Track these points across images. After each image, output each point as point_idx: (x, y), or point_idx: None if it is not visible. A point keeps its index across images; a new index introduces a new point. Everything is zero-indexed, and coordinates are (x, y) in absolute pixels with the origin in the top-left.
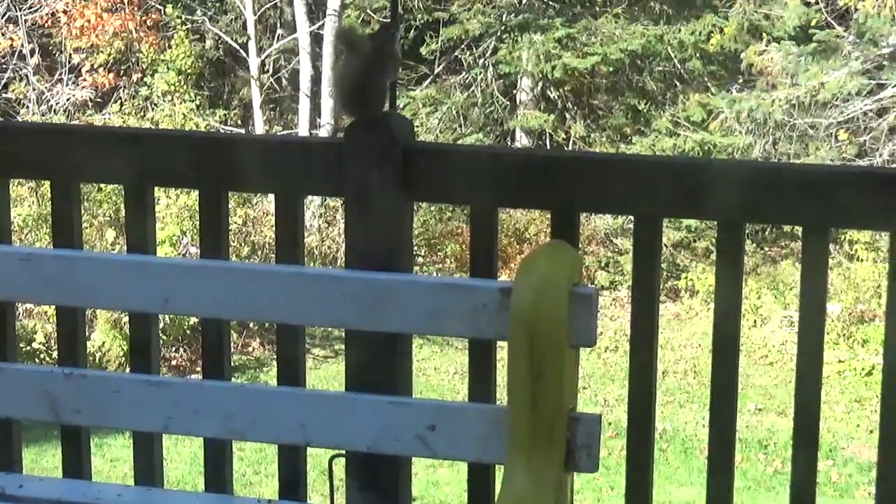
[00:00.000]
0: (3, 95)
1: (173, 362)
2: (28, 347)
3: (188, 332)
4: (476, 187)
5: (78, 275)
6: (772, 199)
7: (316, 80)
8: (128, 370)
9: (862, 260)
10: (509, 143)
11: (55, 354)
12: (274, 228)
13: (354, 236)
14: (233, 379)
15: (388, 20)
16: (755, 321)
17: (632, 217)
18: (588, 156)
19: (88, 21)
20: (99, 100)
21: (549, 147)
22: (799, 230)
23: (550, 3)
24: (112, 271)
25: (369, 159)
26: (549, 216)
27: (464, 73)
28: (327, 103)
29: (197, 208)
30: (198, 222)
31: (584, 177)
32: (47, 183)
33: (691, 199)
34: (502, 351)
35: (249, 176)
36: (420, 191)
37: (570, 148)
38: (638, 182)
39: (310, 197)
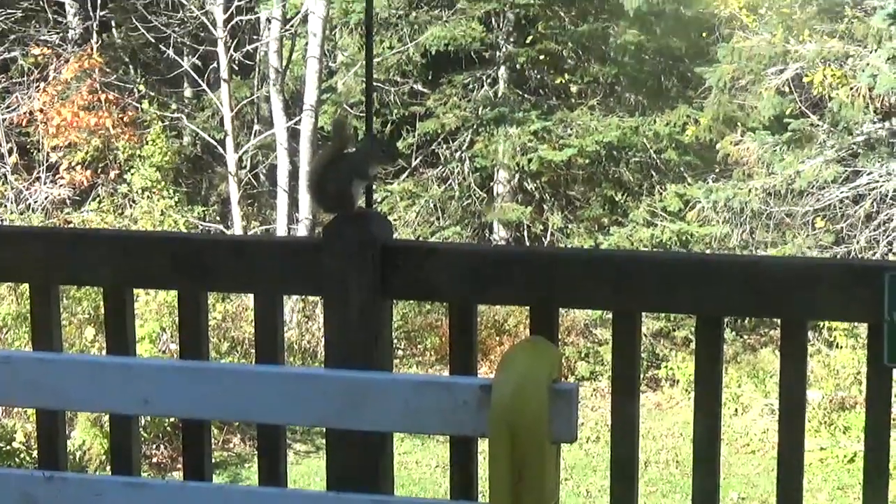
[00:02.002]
0: None
1: (154, 459)
2: (8, 447)
3: (168, 428)
4: (454, 284)
5: (58, 377)
6: (749, 293)
7: (293, 175)
8: (109, 470)
9: (841, 347)
10: (487, 236)
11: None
12: (253, 325)
13: (333, 334)
14: (214, 476)
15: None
16: (736, 409)
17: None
18: (565, 252)
19: (65, 119)
20: (77, 197)
21: (527, 239)
22: (778, 320)
23: (525, 96)
24: (92, 373)
25: (347, 258)
26: (528, 310)
27: (441, 167)
28: (305, 198)
29: (176, 304)
30: (177, 318)
31: (561, 273)
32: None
33: (669, 294)
34: (483, 444)
35: (228, 276)
36: (398, 288)
37: (549, 239)
38: (615, 278)
39: None
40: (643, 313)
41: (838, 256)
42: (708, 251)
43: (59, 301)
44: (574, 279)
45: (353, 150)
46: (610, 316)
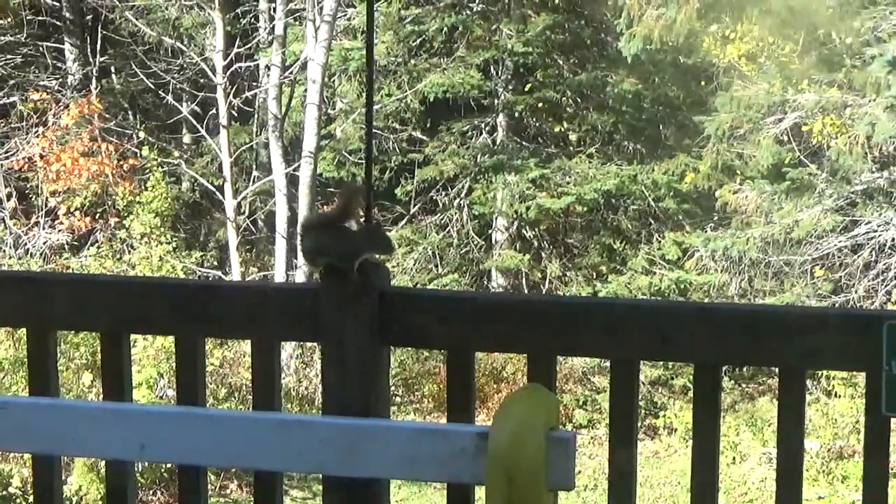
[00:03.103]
0: None
1: None
2: (4, 492)
3: (165, 474)
4: (452, 332)
5: (55, 423)
6: (748, 343)
7: (292, 221)
8: None
9: (840, 396)
10: (485, 283)
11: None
12: (250, 371)
13: (331, 382)
14: None
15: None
16: (734, 458)
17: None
18: (564, 300)
19: (65, 165)
20: (75, 243)
21: (525, 286)
22: (775, 369)
23: (524, 143)
24: (89, 419)
25: (345, 305)
26: (526, 357)
27: (439, 214)
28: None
29: (174, 350)
30: (175, 365)
31: (559, 322)
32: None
33: (667, 343)
34: (481, 491)
35: (226, 323)
36: (396, 335)
37: (547, 287)
38: (614, 326)
39: None
40: (641, 361)
41: (837, 305)
42: (706, 300)
43: (56, 346)
44: (572, 327)
45: (354, 228)
46: (608, 363)
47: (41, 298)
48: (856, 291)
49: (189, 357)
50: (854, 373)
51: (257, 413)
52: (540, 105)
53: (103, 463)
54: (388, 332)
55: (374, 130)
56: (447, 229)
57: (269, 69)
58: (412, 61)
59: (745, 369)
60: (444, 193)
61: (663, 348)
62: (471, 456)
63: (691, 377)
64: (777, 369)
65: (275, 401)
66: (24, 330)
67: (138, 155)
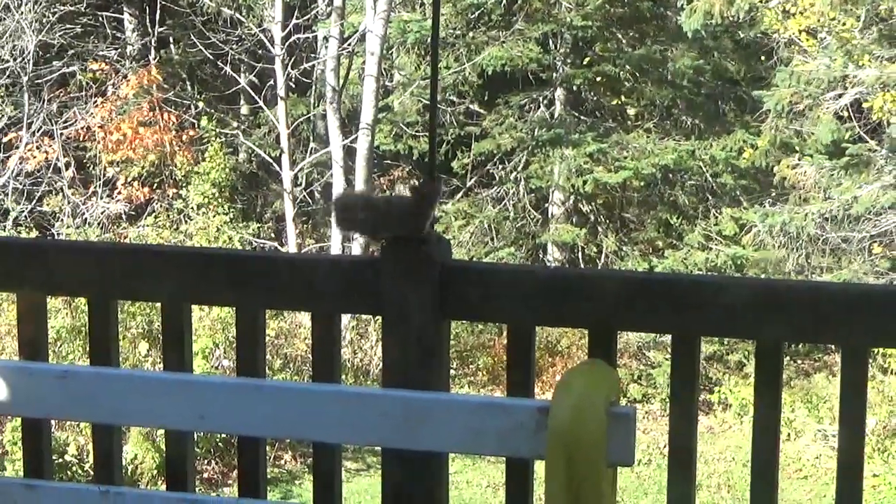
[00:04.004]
0: (38, 209)
1: (205, 475)
2: (60, 460)
3: (220, 444)
4: (514, 306)
5: (115, 393)
6: (810, 320)
7: None
8: (161, 484)
9: None
10: (541, 257)
11: (87, 467)
12: (308, 342)
13: (392, 354)
14: (268, 494)
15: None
16: (789, 434)
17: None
18: (625, 275)
19: (125, 135)
20: (133, 213)
21: (581, 261)
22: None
23: (582, 117)
24: (149, 389)
25: (406, 278)
26: (584, 332)
27: (496, 187)
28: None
29: (230, 321)
30: (231, 335)
31: (621, 296)
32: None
33: (729, 319)
34: (539, 466)
35: (287, 295)
36: (457, 309)
37: (602, 262)
38: (676, 301)
39: None
40: (702, 338)
41: (894, 282)
42: (763, 276)
43: (117, 316)
44: (633, 302)
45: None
46: (664, 339)
47: (102, 268)
48: None
49: (249, 328)
50: None
51: (317, 385)
52: (598, 79)
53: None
54: (449, 305)
55: None
56: (503, 203)
57: (327, 40)
58: (470, 34)
59: (801, 345)
60: (500, 167)
61: (726, 325)
62: (531, 431)
63: (746, 353)
64: (839, 347)
65: (334, 373)
66: (82, 299)
67: (196, 126)
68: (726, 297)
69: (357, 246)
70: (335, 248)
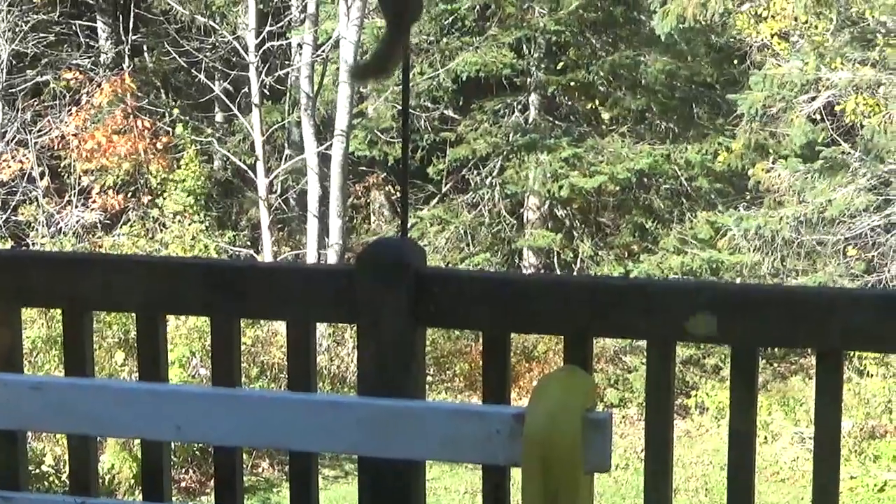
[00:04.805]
0: (13, 218)
1: (182, 484)
2: (37, 470)
3: (197, 453)
4: (489, 313)
5: (90, 403)
6: (784, 324)
7: (323, 200)
8: (138, 494)
9: (872, 375)
10: (517, 262)
11: (64, 477)
12: (284, 350)
13: (367, 362)
14: (245, 502)
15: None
16: (766, 437)
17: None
18: (599, 281)
19: (99, 144)
20: (108, 221)
21: (557, 266)
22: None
23: (556, 122)
24: (125, 399)
25: (381, 285)
26: (560, 338)
27: (471, 193)
28: (335, 223)
29: (207, 329)
30: (208, 343)
31: (596, 302)
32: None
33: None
34: (516, 472)
35: (261, 303)
36: (432, 316)
37: (578, 266)
38: (649, 308)
39: None
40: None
41: (870, 285)
42: (738, 279)
43: (91, 327)
44: (609, 308)
45: None
46: (640, 343)
47: (76, 279)
48: (888, 271)
49: (224, 338)
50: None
51: (293, 394)
52: (572, 84)
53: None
54: (424, 312)
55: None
56: (479, 208)
57: (301, 47)
58: (444, 40)
59: (777, 349)
60: (475, 172)
61: (700, 329)
62: (506, 437)
63: (723, 356)
64: (814, 351)
65: (310, 381)
66: (57, 310)
67: (171, 133)
68: (699, 301)
69: (332, 253)
70: (311, 255)
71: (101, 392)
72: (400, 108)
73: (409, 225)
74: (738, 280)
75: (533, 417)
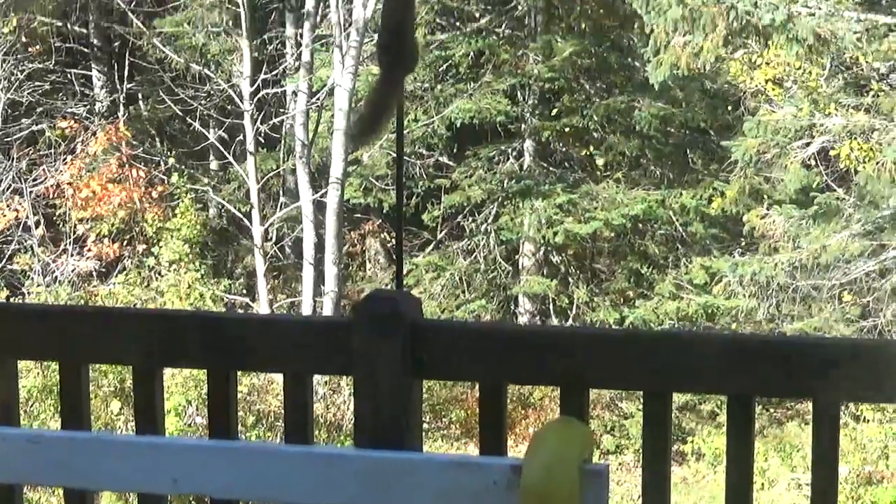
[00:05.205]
0: (8, 267)
1: None
2: None
3: (193, 503)
4: (484, 364)
5: (88, 457)
6: (781, 374)
7: (319, 247)
8: None
9: (868, 421)
10: (512, 309)
11: None
12: (280, 398)
13: (363, 415)
14: None
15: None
16: (763, 484)
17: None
18: (596, 331)
19: (93, 192)
20: (103, 270)
21: (552, 312)
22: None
23: (551, 169)
24: (122, 453)
25: (377, 337)
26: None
27: (466, 240)
28: (331, 271)
29: (203, 378)
30: (203, 392)
31: (592, 353)
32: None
33: (700, 374)
34: None
35: (258, 356)
36: (428, 368)
37: (574, 312)
38: (646, 358)
39: None
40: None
41: (865, 330)
42: (734, 325)
43: (88, 379)
44: (605, 358)
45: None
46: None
47: (73, 333)
48: (884, 316)
49: (221, 390)
50: None
51: (291, 446)
52: (567, 130)
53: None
54: (420, 364)
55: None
56: (474, 255)
57: (296, 95)
58: (439, 87)
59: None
60: (471, 219)
61: (697, 379)
62: (504, 489)
63: (719, 402)
64: (812, 401)
65: (307, 433)
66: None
67: (166, 182)
68: (696, 352)
69: (328, 301)
70: (306, 303)
71: (98, 446)
72: (395, 155)
73: (404, 272)
74: (733, 325)
75: (530, 469)
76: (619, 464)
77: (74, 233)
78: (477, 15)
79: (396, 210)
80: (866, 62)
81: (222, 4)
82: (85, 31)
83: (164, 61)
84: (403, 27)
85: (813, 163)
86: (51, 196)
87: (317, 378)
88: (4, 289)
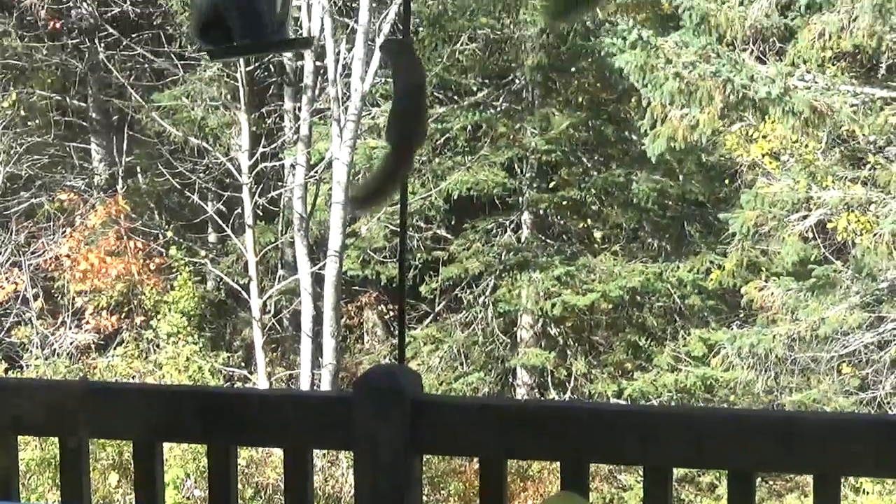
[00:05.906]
0: (7, 340)
1: None
2: None
3: None
4: (484, 440)
5: None
6: (782, 450)
7: (317, 320)
8: None
9: (868, 493)
10: (511, 381)
11: None
12: (279, 471)
13: (364, 491)
14: None
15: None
16: None
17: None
18: (595, 407)
19: (92, 265)
20: (101, 342)
21: (550, 384)
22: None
23: (548, 241)
24: None
25: (377, 412)
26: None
27: (464, 312)
28: (329, 343)
29: (201, 450)
30: (202, 464)
31: (592, 429)
32: None
33: (700, 451)
34: None
35: (258, 431)
36: (429, 443)
37: (572, 384)
38: (646, 434)
39: None
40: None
41: (864, 402)
42: (732, 397)
43: (88, 454)
44: (605, 434)
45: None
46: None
47: (72, 409)
48: (883, 388)
49: (221, 465)
50: None
51: None
52: (564, 203)
53: None
54: (421, 440)
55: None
56: (472, 327)
57: (294, 168)
58: (436, 160)
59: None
60: (468, 291)
61: (697, 455)
62: None
63: (718, 474)
64: (812, 476)
65: None
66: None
67: (164, 254)
68: (696, 427)
69: (326, 373)
70: (305, 375)
71: None
72: (393, 227)
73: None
74: (731, 398)
75: None
76: None
77: (73, 305)
78: (474, 89)
79: (399, 283)
80: (863, 135)
81: (221, 78)
82: (84, 104)
83: (162, 135)
84: (419, 102)
85: (810, 235)
86: (49, 268)
87: (316, 451)
88: (3, 361)
